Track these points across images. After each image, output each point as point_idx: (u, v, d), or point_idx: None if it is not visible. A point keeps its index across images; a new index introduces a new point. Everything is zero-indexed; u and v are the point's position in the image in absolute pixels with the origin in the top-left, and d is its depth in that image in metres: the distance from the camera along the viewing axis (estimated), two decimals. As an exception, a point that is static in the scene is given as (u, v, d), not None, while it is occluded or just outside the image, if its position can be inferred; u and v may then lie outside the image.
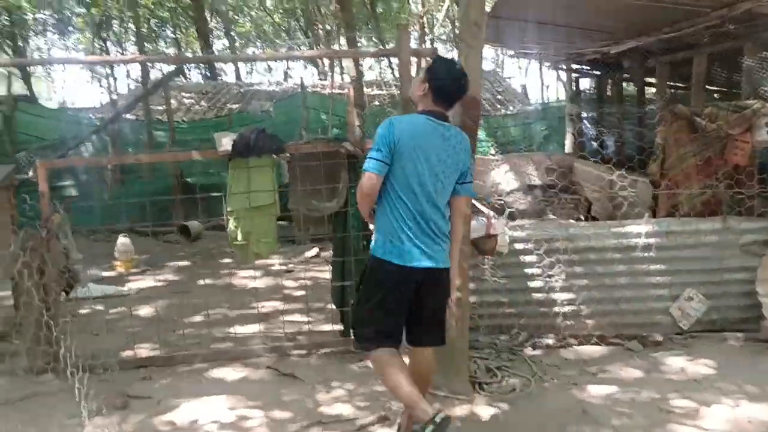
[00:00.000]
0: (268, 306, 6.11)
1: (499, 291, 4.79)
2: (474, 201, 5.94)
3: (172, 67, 12.57)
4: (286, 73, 40.20)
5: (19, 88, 30.11)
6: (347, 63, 10.77)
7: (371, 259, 3.18)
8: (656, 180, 5.59)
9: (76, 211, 10.31)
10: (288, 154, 4.64)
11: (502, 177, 9.86)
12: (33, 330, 4.17)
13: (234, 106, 13.44)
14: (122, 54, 33.22)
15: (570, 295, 4.81)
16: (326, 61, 27.08)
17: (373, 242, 3.19)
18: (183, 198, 10.48)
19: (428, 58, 4.14)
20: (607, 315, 4.84)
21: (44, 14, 30.02)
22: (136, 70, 19.05)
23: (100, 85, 35.03)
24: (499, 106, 14.78)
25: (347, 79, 11.80)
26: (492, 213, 5.39)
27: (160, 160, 4.62)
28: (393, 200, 3.08)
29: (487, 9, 7.29)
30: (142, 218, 10.75)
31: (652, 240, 4.80)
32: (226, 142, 4.45)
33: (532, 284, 4.83)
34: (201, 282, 7.20)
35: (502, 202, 6.52)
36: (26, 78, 29.35)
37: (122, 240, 7.98)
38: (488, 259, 4.65)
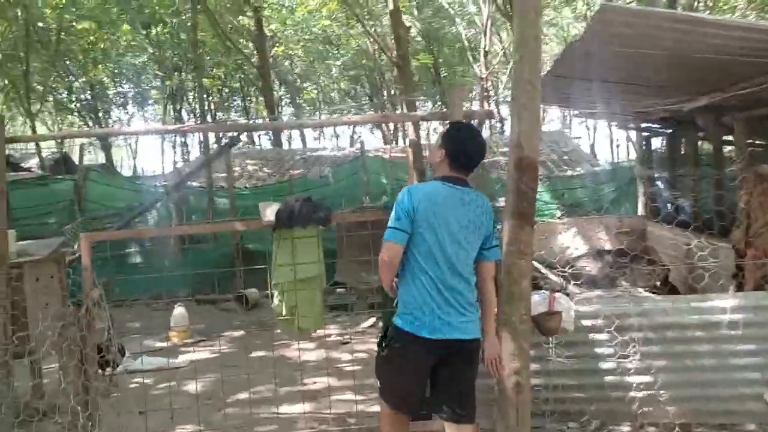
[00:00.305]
0: (319, 382, 5.80)
1: (566, 373, 4.33)
2: (538, 266, 5.51)
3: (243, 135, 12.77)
4: (352, 138, 40.94)
5: (100, 157, 31.73)
6: (408, 126, 10.63)
7: (393, 327, 3.08)
8: (740, 248, 5.06)
9: (137, 280, 10.42)
10: (334, 224, 4.42)
11: (570, 241, 9.37)
12: (68, 411, 3.98)
13: (295, 172, 13.51)
14: (196, 123, 34.62)
15: (647, 378, 4.29)
16: (391, 126, 27.35)
17: (397, 312, 3.11)
18: (242, 265, 10.48)
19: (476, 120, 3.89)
20: (691, 401, 4.29)
21: (124, 87, 31.75)
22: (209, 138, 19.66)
23: (174, 153, 36.57)
24: (565, 167, 14.33)
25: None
26: (557, 279, 4.97)
27: (201, 232, 4.51)
28: (414, 270, 3.02)
29: (547, 68, 7.04)
30: (203, 286, 10.81)
31: (739, 316, 4.27)
32: (269, 212, 4.25)
33: (604, 365, 4.35)
34: (253, 354, 6.96)
35: (566, 272, 6.07)
36: (107, 147, 30.88)
37: (178, 310, 7.88)
38: (552, 337, 4.22)
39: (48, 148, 23.31)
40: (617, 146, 35.40)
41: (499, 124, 28.00)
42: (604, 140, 37.89)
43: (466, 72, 27.62)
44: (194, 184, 12.89)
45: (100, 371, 4.36)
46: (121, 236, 4.21)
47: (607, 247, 8.79)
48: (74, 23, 19.94)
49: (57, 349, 4.27)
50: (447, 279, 2.99)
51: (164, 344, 7.65)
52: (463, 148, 3.13)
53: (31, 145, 22.77)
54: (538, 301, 3.98)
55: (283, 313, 4.39)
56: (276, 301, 4.42)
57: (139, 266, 11.30)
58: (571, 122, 31.64)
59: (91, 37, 19.43)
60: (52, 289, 5.14)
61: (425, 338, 2.96)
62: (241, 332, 8.19)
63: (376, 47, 20.61)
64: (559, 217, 11.13)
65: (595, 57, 5.79)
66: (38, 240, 5.78)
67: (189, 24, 18.65)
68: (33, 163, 22.22)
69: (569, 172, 13.93)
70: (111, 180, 12.69)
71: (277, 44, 19.35)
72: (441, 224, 2.99)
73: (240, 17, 18.09)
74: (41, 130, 37.02)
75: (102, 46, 20.47)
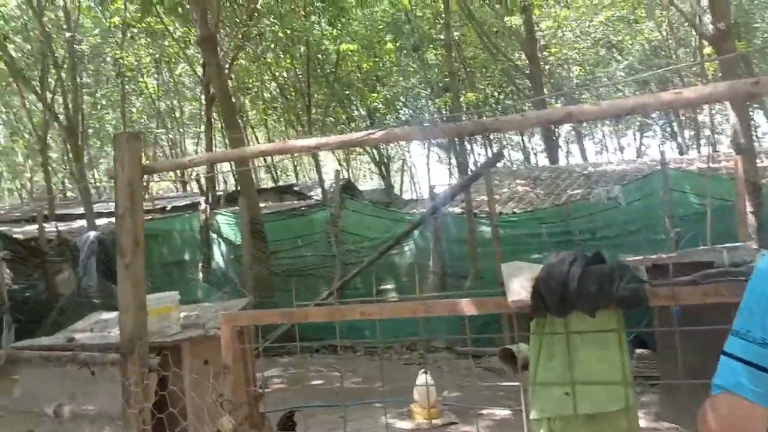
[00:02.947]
0: None
1: None
2: None
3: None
4: (639, 150, 36.43)
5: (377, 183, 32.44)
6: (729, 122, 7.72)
7: None
8: None
9: (389, 321, 9.08)
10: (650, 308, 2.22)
11: None
12: None
13: (574, 193, 11.17)
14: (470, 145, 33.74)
15: None
16: (687, 134, 23.24)
17: None
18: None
19: None
20: None
21: (401, 113, 32.02)
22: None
23: (450, 172, 36.00)
24: None
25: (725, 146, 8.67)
26: None
27: (395, 315, 2.92)
28: None
29: None
30: (463, 333, 9.08)
31: None
32: (519, 284, 2.22)
33: None
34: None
35: None
36: (386, 171, 31.56)
37: (421, 378, 6.12)
38: None
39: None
40: None
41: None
42: None
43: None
44: (456, 209, 11.30)
45: None
46: (271, 320, 2.90)
47: None
48: (348, 51, 20.12)
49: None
50: None
51: (405, 424, 5.95)
52: None
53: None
54: None
55: (555, 474, 2.32)
56: (540, 449, 2.36)
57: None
58: None
59: (355, 58, 19.20)
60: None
61: None
62: (506, 411, 6.16)
63: (671, 38, 17.24)
64: None
65: None
66: (223, 302, 4.40)
67: (457, 37, 17.47)
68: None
69: None
70: (365, 208, 11.65)
71: (552, 47, 17.12)
72: None
73: (507, 18, 16.23)
74: (327, 160, 39.42)
75: (366, 67, 20.22)
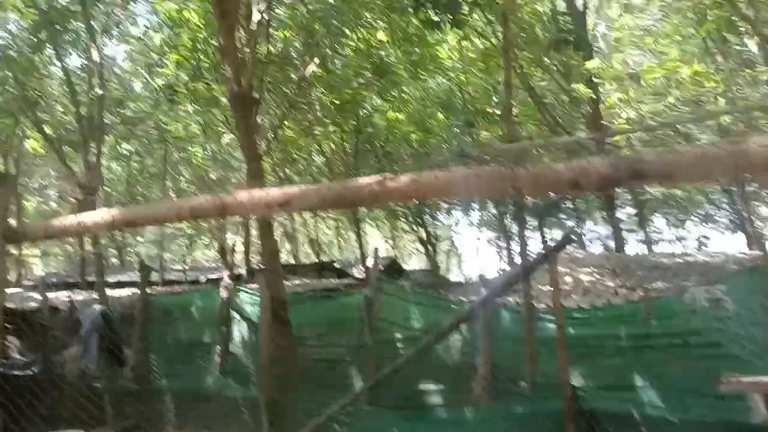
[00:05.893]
0: None
1: None
2: None
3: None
4: (700, 243, 33.73)
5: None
6: None
7: None
8: None
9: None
10: None
11: None
12: None
13: (651, 287, 9.53)
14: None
15: None
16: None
17: None
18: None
19: None
20: None
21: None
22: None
23: (500, 256, 34.17)
24: None
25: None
26: None
27: None
28: None
29: None
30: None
31: None
32: None
33: None
34: None
35: None
36: (434, 250, 30.33)
37: None
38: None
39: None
40: None
41: None
42: None
43: None
44: (511, 300, 9.77)
45: None
46: None
47: None
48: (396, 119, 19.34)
49: None
50: None
51: None
52: None
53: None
54: None
55: None
56: None
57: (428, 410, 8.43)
58: None
59: (403, 129, 18.25)
60: None
61: None
62: None
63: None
64: None
65: None
66: None
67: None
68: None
69: None
70: (406, 293, 10.24)
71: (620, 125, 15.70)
72: None
73: (573, 85, 14.96)
74: (373, 236, 38.20)
75: (414, 138, 19.29)
